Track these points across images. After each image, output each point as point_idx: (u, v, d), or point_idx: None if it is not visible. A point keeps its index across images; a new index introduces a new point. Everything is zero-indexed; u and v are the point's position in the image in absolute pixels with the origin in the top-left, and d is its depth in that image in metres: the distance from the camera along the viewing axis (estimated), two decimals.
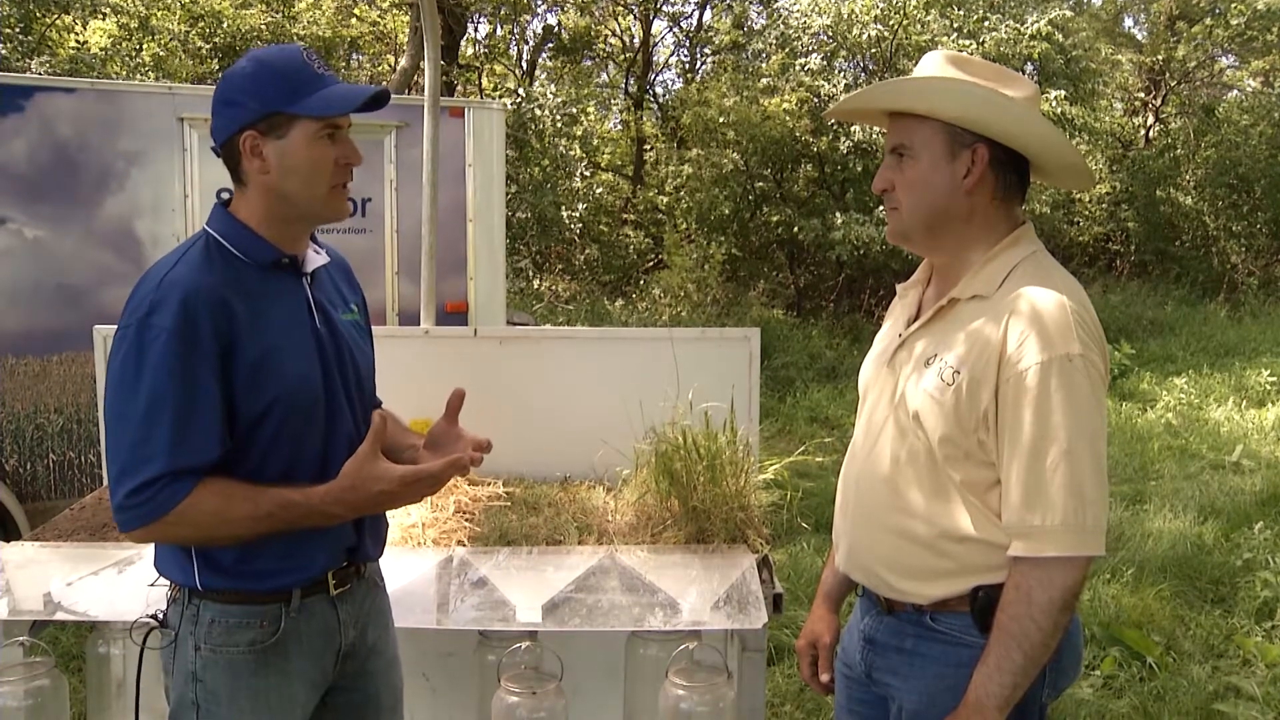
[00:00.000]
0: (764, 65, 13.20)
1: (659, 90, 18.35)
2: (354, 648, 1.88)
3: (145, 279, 1.67)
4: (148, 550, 2.32)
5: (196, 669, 1.72)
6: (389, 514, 2.02)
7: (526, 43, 17.92)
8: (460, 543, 2.41)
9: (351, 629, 1.87)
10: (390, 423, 2.00)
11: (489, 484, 2.78)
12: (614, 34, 18.31)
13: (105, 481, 2.90)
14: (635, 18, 17.71)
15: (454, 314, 5.34)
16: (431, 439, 1.95)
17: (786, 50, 12.73)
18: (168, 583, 1.80)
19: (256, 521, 1.66)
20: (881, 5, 11.92)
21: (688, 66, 18.13)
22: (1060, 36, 12.36)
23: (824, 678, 2.02)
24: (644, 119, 17.15)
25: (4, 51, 10.48)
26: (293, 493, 1.68)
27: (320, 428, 1.77)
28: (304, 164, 1.70)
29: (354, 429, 1.85)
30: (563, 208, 13.07)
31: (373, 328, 2.02)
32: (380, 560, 2.00)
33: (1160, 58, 16.87)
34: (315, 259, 1.84)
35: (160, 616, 1.80)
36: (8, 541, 2.42)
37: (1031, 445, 1.58)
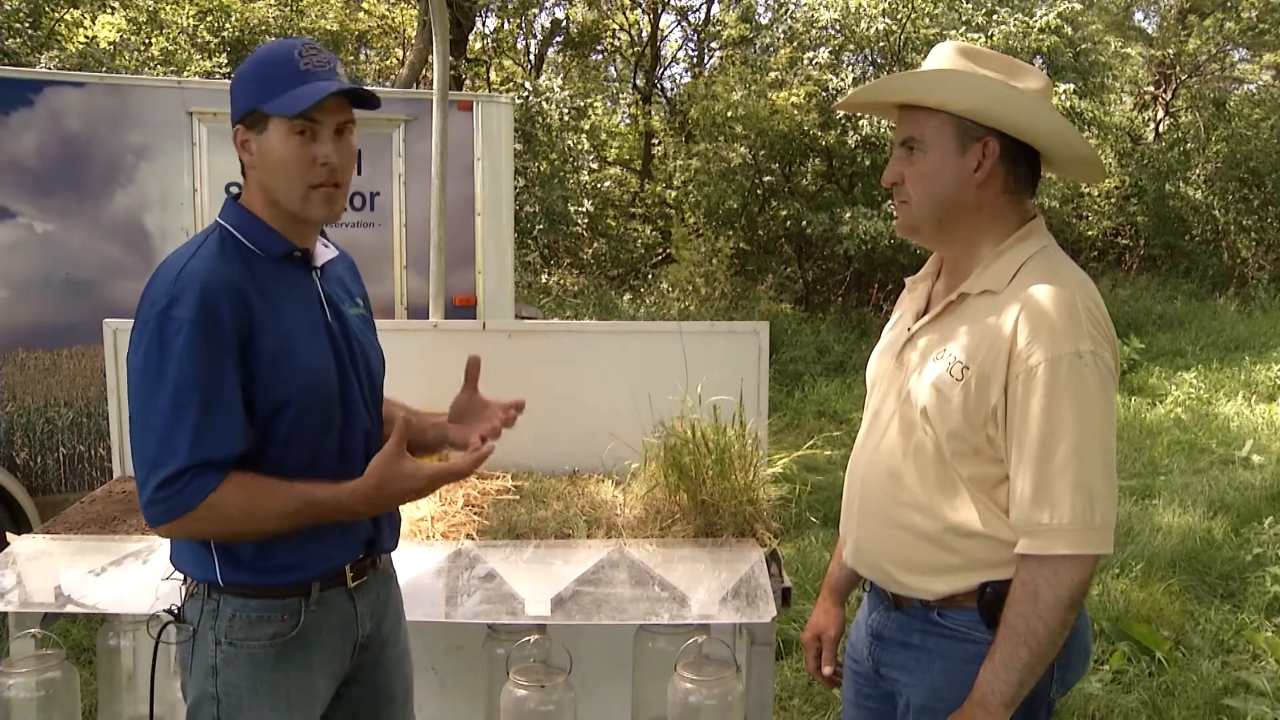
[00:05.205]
0: (772, 59, 13.16)
1: (667, 84, 18.36)
2: (370, 640, 1.89)
3: (161, 272, 1.67)
4: (159, 543, 2.33)
5: (217, 663, 1.72)
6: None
7: (534, 37, 17.94)
8: (469, 536, 2.41)
9: (368, 621, 1.87)
10: (409, 412, 2.00)
11: (497, 477, 2.78)
12: (621, 28, 18.28)
13: (115, 474, 2.93)
14: (643, 11, 17.68)
15: (462, 308, 5.34)
16: (457, 411, 1.96)
17: (794, 44, 12.70)
18: (183, 577, 1.80)
19: (285, 518, 1.66)
20: None
21: (695, 60, 18.12)
22: (1069, 30, 12.31)
23: (827, 670, 2.03)
24: (652, 113, 17.13)
25: (13, 46, 10.51)
26: (319, 489, 1.68)
27: (337, 423, 1.77)
28: (278, 162, 1.70)
29: (370, 424, 1.85)
30: (570, 202, 13.08)
31: (381, 322, 2.02)
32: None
33: (1171, 51, 16.78)
34: (324, 253, 1.84)
35: (176, 611, 1.79)
36: (18, 534, 2.43)
37: (1040, 442, 1.57)
